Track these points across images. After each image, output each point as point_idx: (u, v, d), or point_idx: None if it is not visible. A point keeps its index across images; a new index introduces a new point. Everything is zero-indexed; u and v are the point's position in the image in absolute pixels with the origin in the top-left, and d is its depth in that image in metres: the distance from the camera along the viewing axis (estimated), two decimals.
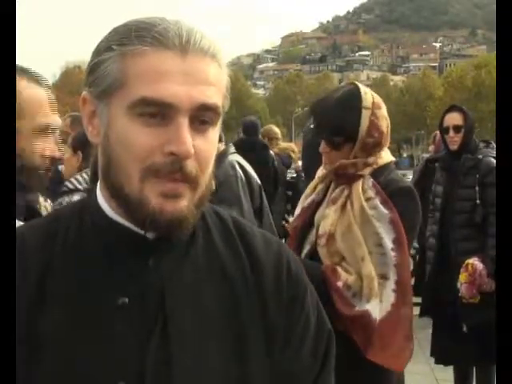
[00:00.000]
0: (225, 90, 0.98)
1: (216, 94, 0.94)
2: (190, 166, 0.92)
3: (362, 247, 2.15)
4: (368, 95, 2.27)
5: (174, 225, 0.94)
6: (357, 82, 2.39)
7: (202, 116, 0.93)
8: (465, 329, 3.85)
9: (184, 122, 0.91)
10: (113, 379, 0.92)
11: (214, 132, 0.97)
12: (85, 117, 0.99)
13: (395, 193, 2.23)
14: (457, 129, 4.01)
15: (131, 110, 0.91)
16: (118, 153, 0.93)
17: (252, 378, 0.99)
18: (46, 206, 2.74)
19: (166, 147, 0.91)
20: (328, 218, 2.26)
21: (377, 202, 2.18)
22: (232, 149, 4.16)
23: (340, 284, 2.13)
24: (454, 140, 4.01)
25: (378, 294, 2.11)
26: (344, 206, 2.25)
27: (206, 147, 0.94)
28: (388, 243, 2.13)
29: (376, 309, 2.09)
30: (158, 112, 0.91)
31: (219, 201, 3.78)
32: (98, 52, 0.96)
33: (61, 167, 3.20)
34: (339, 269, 2.18)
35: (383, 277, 2.13)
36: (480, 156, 3.94)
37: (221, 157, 3.92)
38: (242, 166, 4.03)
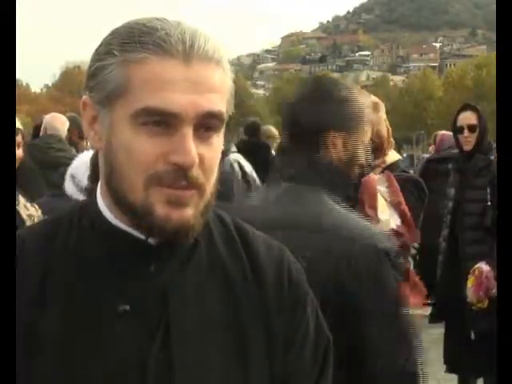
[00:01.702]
0: (229, 95, 0.96)
1: (221, 101, 0.93)
2: (195, 172, 0.91)
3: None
4: None
5: (180, 233, 0.93)
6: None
7: (206, 124, 0.92)
8: (472, 336, 3.74)
9: (188, 132, 0.90)
10: (113, 382, 0.92)
11: (219, 138, 0.96)
12: (85, 121, 0.98)
13: (403, 181, 2.26)
14: (472, 128, 3.90)
15: (134, 119, 0.90)
16: (121, 161, 0.92)
17: (253, 381, 0.99)
18: (26, 205, 2.77)
19: (170, 157, 0.90)
20: None
21: (382, 194, 2.21)
22: (233, 148, 4.18)
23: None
24: (469, 140, 3.90)
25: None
26: None
27: (210, 155, 0.94)
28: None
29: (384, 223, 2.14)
30: (162, 121, 0.89)
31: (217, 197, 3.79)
32: (98, 56, 0.94)
33: None
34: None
35: None
36: (492, 156, 3.82)
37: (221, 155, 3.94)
38: (241, 166, 4.04)
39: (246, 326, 1.00)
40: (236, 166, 3.99)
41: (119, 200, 0.94)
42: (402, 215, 2.19)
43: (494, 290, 3.58)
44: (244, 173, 4.02)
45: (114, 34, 0.94)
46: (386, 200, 2.19)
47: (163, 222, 0.91)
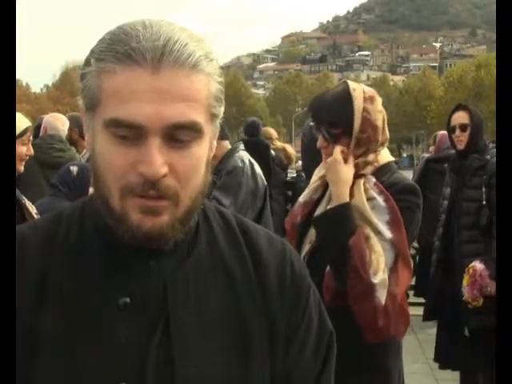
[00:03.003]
0: (212, 100, 0.94)
1: (194, 110, 0.91)
2: (166, 183, 0.90)
3: (367, 228, 2.14)
4: (357, 92, 2.26)
5: (152, 239, 0.93)
6: (348, 81, 2.38)
7: (177, 135, 0.90)
8: (466, 332, 3.76)
9: (154, 143, 0.89)
10: (114, 380, 0.92)
11: (200, 146, 0.94)
12: (84, 124, 0.99)
13: (401, 190, 2.23)
14: (463, 128, 3.94)
15: (107, 129, 0.90)
16: (101, 169, 0.93)
17: (255, 378, 0.99)
18: (30, 204, 2.79)
19: (138, 168, 0.90)
20: None
21: (378, 201, 2.18)
22: (241, 146, 4.26)
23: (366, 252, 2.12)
24: (460, 139, 3.94)
25: (384, 271, 2.10)
26: None
27: (185, 163, 0.92)
28: (385, 243, 2.13)
29: (381, 284, 2.09)
30: (129, 132, 0.89)
31: (217, 187, 3.94)
32: (85, 62, 0.94)
33: None
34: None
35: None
36: (488, 156, 3.83)
37: (230, 152, 4.13)
38: (251, 163, 4.15)
39: (247, 320, 1.00)
40: (247, 161, 4.09)
41: (104, 204, 0.95)
42: (400, 254, 2.15)
43: (489, 289, 3.56)
44: (253, 169, 4.12)
45: (100, 40, 0.94)
46: (385, 239, 2.14)
47: (136, 228, 0.92)
